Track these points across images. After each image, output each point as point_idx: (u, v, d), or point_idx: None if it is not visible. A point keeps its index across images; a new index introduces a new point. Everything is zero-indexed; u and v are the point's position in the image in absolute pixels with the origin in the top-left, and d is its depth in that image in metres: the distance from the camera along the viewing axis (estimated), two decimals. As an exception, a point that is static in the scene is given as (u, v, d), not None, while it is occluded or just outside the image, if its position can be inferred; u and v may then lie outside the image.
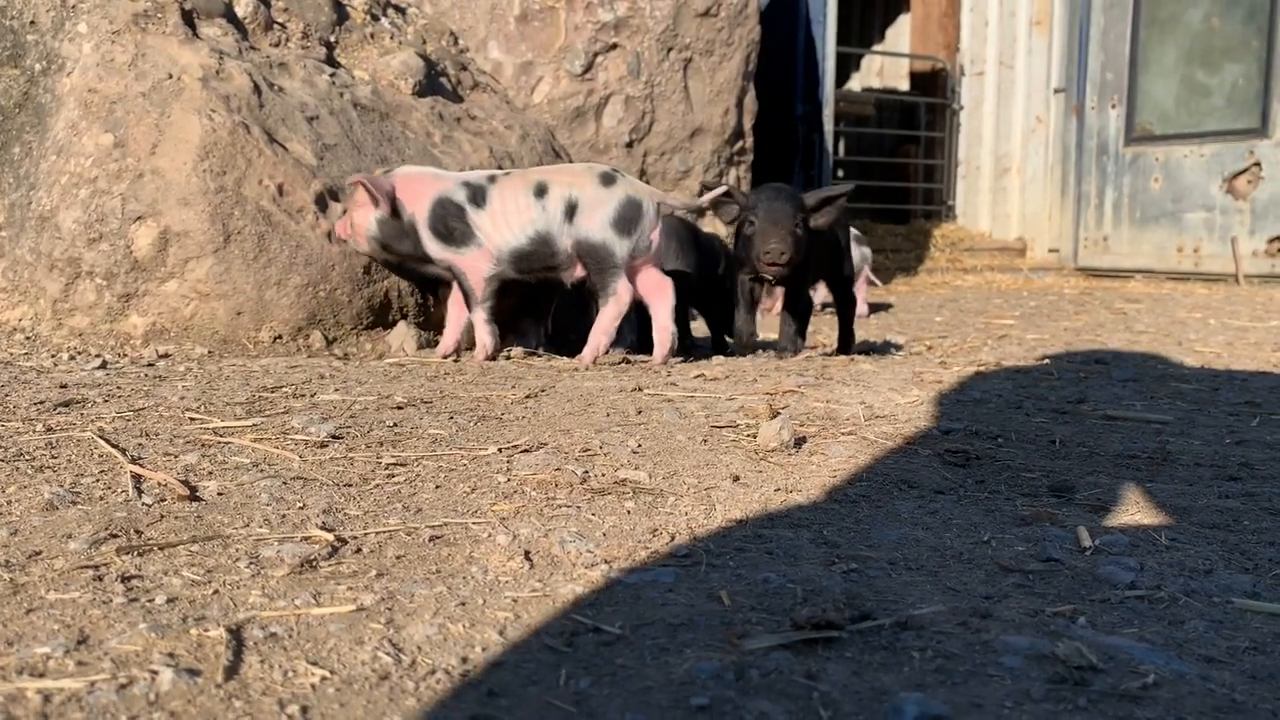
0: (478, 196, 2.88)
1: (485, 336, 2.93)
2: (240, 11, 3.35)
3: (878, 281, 6.44)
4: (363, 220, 2.91)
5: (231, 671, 0.86)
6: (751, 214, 3.18)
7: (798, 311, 3.47)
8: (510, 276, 2.95)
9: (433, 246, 2.90)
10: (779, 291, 3.93)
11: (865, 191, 9.42)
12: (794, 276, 3.28)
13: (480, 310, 2.93)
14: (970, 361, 3.19)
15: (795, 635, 0.95)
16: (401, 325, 3.13)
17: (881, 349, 3.86)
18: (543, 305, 3.29)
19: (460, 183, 2.91)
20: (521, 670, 0.88)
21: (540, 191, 2.84)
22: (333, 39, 3.62)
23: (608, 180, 2.86)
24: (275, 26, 3.45)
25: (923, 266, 7.91)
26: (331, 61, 3.54)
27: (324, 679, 0.85)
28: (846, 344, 3.81)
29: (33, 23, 3.14)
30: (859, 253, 5.70)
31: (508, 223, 2.84)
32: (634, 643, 0.94)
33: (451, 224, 2.87)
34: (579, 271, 2.90)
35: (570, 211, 2.82)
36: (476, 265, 2.90)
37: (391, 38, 3.88)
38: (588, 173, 2.89)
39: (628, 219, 2.83)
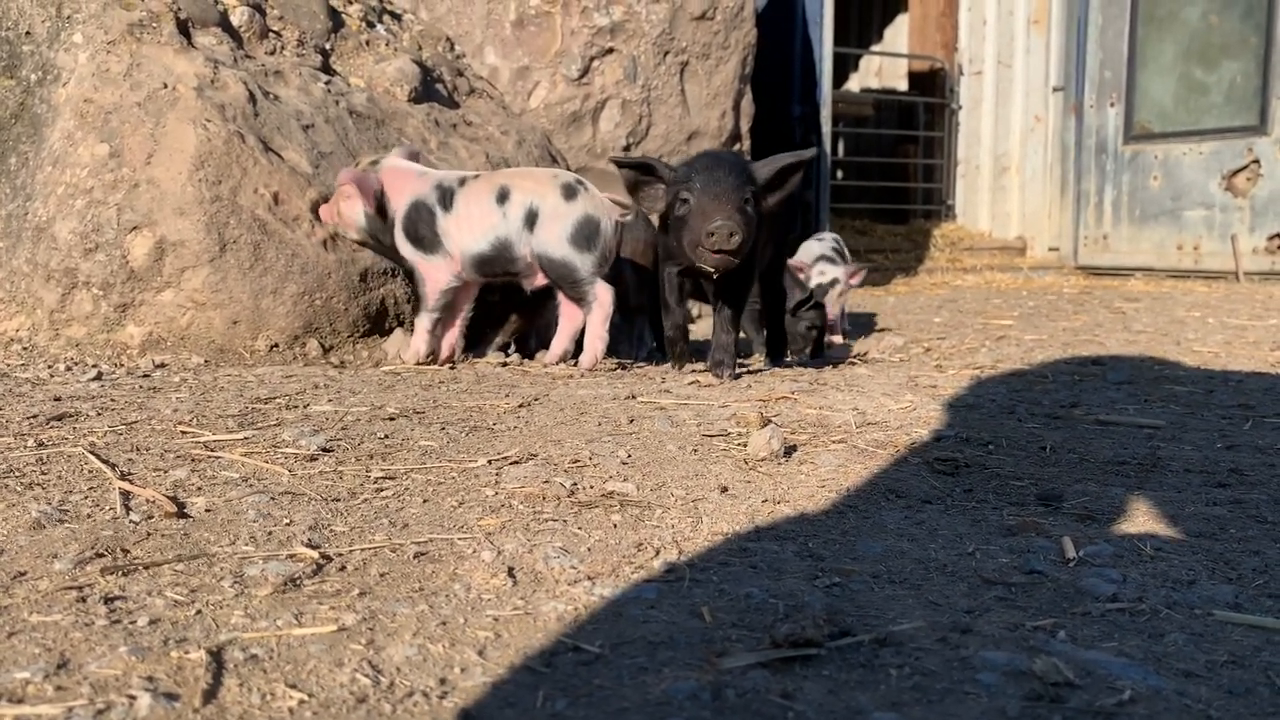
0: (446, 199, 2.89)
1: (420, 343, 2.94)
2: (235, 20, 3.35)
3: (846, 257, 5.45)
4: (351, 213, 2.94)
5: (210, 695, 0.86)
6: (685, 189, 2.52)
7: (738, 309, 2.79)
8: (473, 280, 2.96)
9: (405, 249, 2.94)
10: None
11: (865, 192, 9.41)
12: (740, 268, 2.60)
13: (426, 317, 2.94)
14: (967, 364, 3.19)
15: (774, 653, 0.96)
16: (398, 332, 3.14)
17: (853, 359, 3.79)
18: (535, 310, 3.30)
19: (435, 184, 2.92)
20: (499, 691, 0.89)
21: (502, 197, 2.85)
22: (328, 46, 3.62)
23: (569, 193, 2.84)
24: (270, 35, 3.45)
25: (922, 266, 7.89)
26: (327, 69, 3.55)
27: (302, 702, 0.86)
28: (778, 348, 3.29)
29: (28, 33, 3.15)
30: (837, 272, 4.40)
31: (470, 228, 2.86)
32: (613, 662, 0.95)
33: (422, 231, 2.89)
34: (539, 280, 2.91)
35: (530, 220, 2.82)
36: (438, 275, 2.92)
37: (387, 44, 3.89)
38: (551, 181, 2.88)
39: (586, 236, 2.82)
